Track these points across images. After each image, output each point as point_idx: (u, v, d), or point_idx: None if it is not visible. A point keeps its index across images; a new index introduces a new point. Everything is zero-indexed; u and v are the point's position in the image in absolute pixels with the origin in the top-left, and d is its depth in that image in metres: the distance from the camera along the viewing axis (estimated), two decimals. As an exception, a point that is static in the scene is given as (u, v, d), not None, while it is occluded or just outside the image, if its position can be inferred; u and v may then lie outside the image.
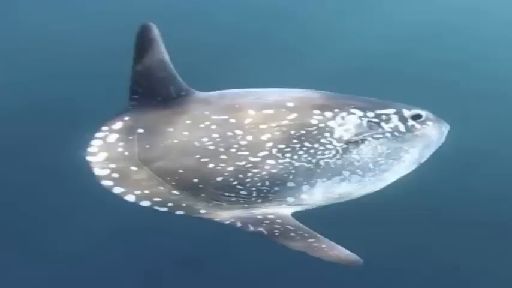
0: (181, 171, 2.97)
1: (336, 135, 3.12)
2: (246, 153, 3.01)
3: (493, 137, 4.41)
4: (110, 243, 3.50)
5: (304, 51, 5.05)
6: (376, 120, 3.24)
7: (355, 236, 2.86)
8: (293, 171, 3.00)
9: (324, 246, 2.76)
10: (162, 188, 2.92)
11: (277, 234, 2.78)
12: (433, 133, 3.34)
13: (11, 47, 4.80)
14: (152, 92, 3.27)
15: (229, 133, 3.08)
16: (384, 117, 3.27)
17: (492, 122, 4.56)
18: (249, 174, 2.96)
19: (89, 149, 3.04)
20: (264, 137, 3.07)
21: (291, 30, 5.30)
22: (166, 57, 3.31)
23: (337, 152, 3.07)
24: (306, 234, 2.81)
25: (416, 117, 3.32)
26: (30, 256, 3.51)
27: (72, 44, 4.74)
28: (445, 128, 3.40)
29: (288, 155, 3.03)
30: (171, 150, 3.05)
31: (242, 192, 2.93)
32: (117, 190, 2.91)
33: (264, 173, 2.97)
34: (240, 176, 2.96)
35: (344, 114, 3.21)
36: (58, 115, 4.13)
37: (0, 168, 3.82)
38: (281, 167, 3.00)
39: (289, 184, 2.98)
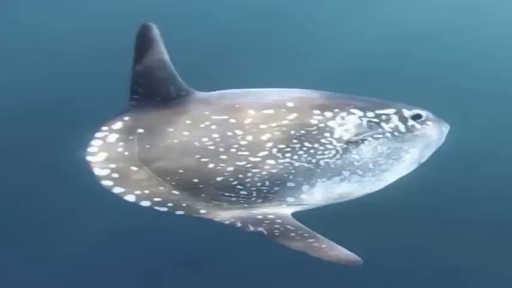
0: (181, 171, 2.97)
1: (336, 135, 3.12)
2: (246, 153, 3.01)
3: (493, 137, 4.41)
4: (109, 243, 3.50)
5: (304, 51, 5.05)
6: (376, 120, 3.24)
7: (355, 236, 2.87)
8: (293, 171, 3.00)
9: (324, 246, 2.76)
10: (162, 188, 2.92)
11: (277, 234, 2.78)
12: (433, 133, 3.33)
13: (11, 47, 4.80)
14: (152, 92, 3.27)
15: (229, 133, 3.08)
16: (384, 117, 3.27)
17: (492, 122, 4.56)
18: (249, 174, 2.96)
19: (89, 149, 3.04)
20: (264, 137, 3.07)
21: (291, 30, 5.30)
22: (166, 57, 3.31)
23: (337, 152, 3.07)
24: (306, 234, 2.81)
25: (416, 117, 3.32)
26: (30, 256, 3.51)
27: (72, 44, 4.75)
28: (445, 128, 3.40)
29: (288, 155, 3.03)
30: (171, 150, 3.05)
31: (242, 192, 2.93)
32: (117, 190, 2.91)
33: (264, 173, 2.97)
34: (240, 176, 2.96)
35: (344, 114, 3.21)
36: (58, 115, 4.14)
37: (0, 168, 3.82)
38: (281, 167, 3.00)
39: (289, 184, 2.98)
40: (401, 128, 3.26)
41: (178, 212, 2.86)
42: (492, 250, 3.76)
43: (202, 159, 2.98)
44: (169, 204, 2.87)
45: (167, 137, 3.09)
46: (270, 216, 2.88)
